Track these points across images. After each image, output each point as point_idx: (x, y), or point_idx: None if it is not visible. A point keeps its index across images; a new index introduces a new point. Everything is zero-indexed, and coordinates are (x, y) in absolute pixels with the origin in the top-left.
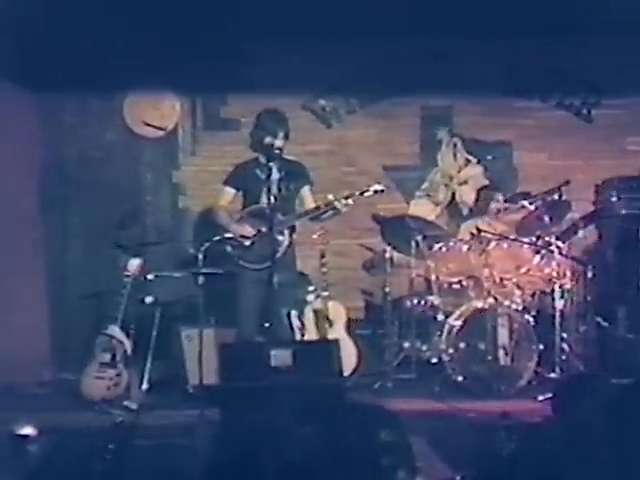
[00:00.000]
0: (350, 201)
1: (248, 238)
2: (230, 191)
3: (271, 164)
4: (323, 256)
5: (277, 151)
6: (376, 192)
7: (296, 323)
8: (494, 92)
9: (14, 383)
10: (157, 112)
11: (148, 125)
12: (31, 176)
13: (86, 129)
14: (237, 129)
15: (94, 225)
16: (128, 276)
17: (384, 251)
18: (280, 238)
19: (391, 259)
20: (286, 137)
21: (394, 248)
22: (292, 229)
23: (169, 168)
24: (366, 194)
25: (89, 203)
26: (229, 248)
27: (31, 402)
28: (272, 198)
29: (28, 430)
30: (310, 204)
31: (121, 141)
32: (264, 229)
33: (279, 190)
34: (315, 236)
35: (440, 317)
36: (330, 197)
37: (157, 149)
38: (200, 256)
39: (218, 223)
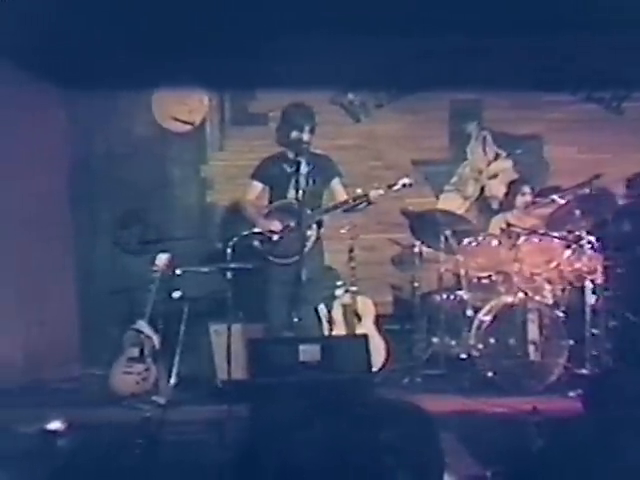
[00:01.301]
0: (381, 191)
1: (276, 233)
2: (257, 185)
3: (299, 158)
4: (352, 251)
5: (305, 145)
6: (404, 186)
7: (324, 318)
8: (523, 85)
9: (43, 378)
10: (185, 107)
11: (176, 120)
12: (59, 173)
13: (114, 125)
14: (265, 124)
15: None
16: (156, 271)
17: (413, 246)
18: (308, 232)
19: (420, 254)
20: (312, 131)
21: (423, 243)
22: (320, 223)
23: (197, 163)
24: (394, 188)
25: (116, 199)
26: (257, 243)
27: (59, 397)
28: (300, 192)
29: (57, 425)
30: (342, 197)
31: (149, 136)
32: (292, 223)
33: (307, 184)
34: (343, 230)
35: (469, 312)
36: (359, 191)
37: (185, 144)
38: (228, 251)
39: (246, 218)
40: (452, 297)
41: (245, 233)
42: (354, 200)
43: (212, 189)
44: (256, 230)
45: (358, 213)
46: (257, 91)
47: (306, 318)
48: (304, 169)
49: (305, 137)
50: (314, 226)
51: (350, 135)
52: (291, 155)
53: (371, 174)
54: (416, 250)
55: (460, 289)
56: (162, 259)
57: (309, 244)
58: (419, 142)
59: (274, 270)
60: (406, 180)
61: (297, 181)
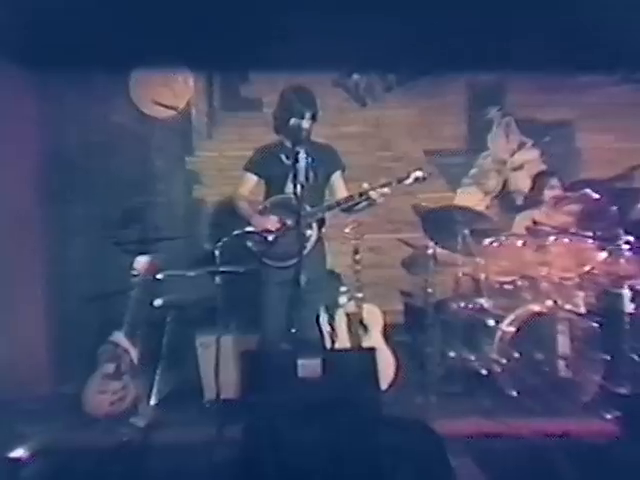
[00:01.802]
0: (387, 190)
1: (272, 232)
2: (251, 178)
3: (298, 148)
4: (357, 252)
5: (305, 133)
6: (417, 180)
7: (326, 329)
8: (552, 65)
9: (8, 398)
10: (168, 89)
11: (158, 104)
12: (27, 165)
13: (87, 110)
14: (259, 109)
15: (98, 219)
16: (135, 276)
17: (426, 247)
18: (308, 232)
19: (434, 256)
20: (313, 118)
21: (438, 243)
22: (321, 222)
23: (182, 153)
24: (406, 182)
25: (92, 194)
26: (250, 243)
27: (27, 419)
28: (299, 186)
29: (23, 452)
30: (342, 193)
31: (127, 123)
32: (290, 222)
33: (307, 178)
34: (348, 230)
35: (491, 322)
36: (365, 185)
37: (168, 132)
38: (217, 252)
39: (238, 215)
40: (471, 305)
41: (237, 232)
42: (360, 195)
43: (199, 183)
44: (249, 229)
45: (364, 210)
46: (251, 72)
47: (305, 329)
48: (304, 160)
49: (305, 124)
50: (314, 225)
51: (355, 122)
52: (289, 144)
53: (379, 166)
54: (430, 252)
55: (480, 296)
56: (142, 262)
57: (309, 245)
58: (433, 130)
59: (269, 274)
60: (419, 173)
61: (296, 174)
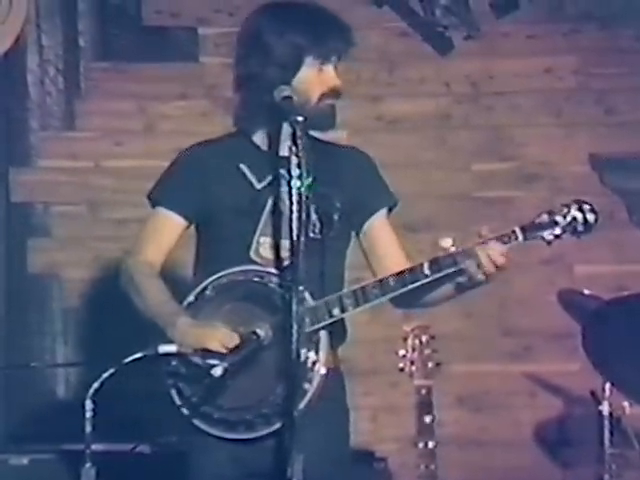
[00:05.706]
0: (500, 248)
1: (219, 357)
2: (171, 222)
3: (284, 150)
4: (427, 407)
5: (299, 119)
6: (576, 229)
7: None
8: None
9: None
10: None
11: None
12: None
13: None
14: (191, 58)
15: None
16: None
17: (595, 398)
18: (309, 356)
19: (620, 423)
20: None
21: (624, 390)
22: (338, 332)
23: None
24: (549, 235)
25: None
26: (170, 381)
27: None
28: (284, 244)
29: None
30: (397, 260)
31: None
32: (263, 331)
33: (302, 223)
34: (403, 352)
35: None
36: (447, 243)
37: None
38: (88, 406)
39: (137, 313)
40: None
41: (133, 359)
42: (432, 268)
43: (44, 235)
44: (166, 349)
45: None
46: None
47: None
48: (297, 181)
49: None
50: (323, 339)
51: (422, 90)
52: (263, 141)
53: (478, 196)
54: (604, 410)
55: None
56: None
57: (311, 389)
58: (614, 105)
59: (212, 457)
60: (577, 214)
61: (279, 213)
